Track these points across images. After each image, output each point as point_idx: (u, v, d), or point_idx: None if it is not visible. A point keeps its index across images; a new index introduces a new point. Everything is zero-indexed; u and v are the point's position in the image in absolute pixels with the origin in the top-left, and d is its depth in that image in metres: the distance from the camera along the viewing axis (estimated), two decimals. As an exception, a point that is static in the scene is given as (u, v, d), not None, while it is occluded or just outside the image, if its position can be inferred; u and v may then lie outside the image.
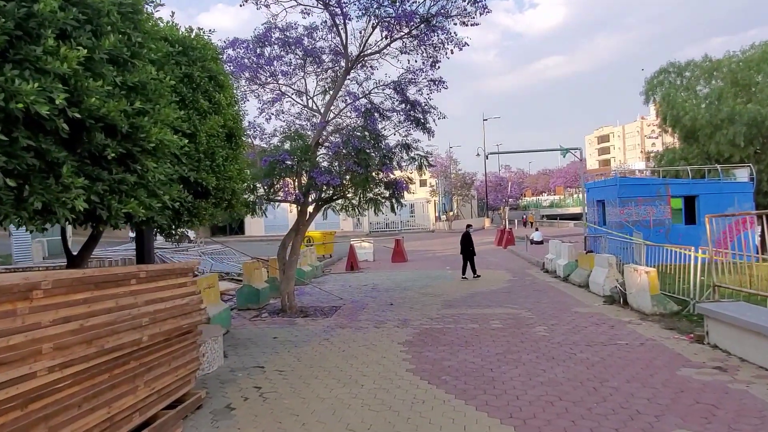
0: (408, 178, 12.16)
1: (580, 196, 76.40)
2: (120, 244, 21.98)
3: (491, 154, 20.37)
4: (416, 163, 11.73)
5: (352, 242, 23.03)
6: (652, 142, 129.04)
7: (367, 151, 10.64)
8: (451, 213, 57.77)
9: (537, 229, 32.13)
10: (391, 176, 11.49)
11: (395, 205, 12.35)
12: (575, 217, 61.71)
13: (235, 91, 11.84)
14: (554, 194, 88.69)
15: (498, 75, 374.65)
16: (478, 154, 57.72)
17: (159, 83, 5.83)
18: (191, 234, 42.53)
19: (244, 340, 8.98)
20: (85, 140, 4.81)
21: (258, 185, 11.38)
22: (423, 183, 61.36)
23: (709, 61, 22.71)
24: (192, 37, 7.65)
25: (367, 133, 11.06)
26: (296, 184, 11.30)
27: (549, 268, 18.17)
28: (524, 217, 57.62)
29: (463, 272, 17.17)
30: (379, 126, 12.14)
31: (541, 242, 29.08)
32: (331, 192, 11.90)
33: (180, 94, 7.12)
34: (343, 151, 10.77)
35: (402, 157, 11.65)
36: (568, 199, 74.97)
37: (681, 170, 21.01)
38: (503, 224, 47.34)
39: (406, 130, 12.47)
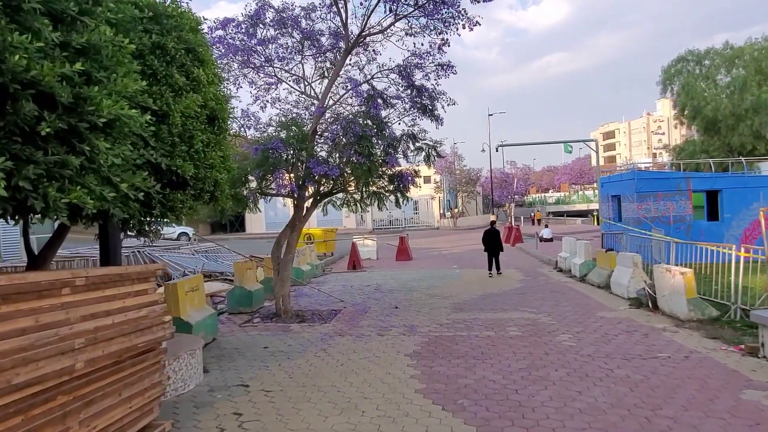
0: (414, 170, 11.11)
1: (586, 192, 75.29)
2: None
3: (501, 146, 19.27)
4: (423, 153, 10.67)
5: (354, 240, 22.00)
6: (659, 138, 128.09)
7: (370, 138, 9.58)
8: (456, 210, 56.63)
9: (547, 226, 31.05)
10: (396, 168, 10.43)
11: (400, 200, 11.32)
12: (582, 214, 60.56)
13: (221, 71, 10.85)
14: (559, 191, 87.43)
15: (501, 72, 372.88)
16: (483, 150, 56.60)
17: (117, 49, 4.81)
18: (189, 231, 41.71)
19: (230, 351, 7.95)
20: (8, 110, 3.80)
21: (251, 178, 10.37)
22: (427, 179, 60.28)
23: (731, 48, 21.51)
24: (166, 4, 6.61)
25: (369, 120, 10.01)
26: (291, 176, 10.27)
27: (563, 267, 17.11)
28: (532, 214, 55.59)
29: (489, 268, 16.53)
30: (383, 114, 11.10)
31: (551, 239, 28.00)
32: (330, 185, 10.88)
33: (151, 67, 6.09)
34: (343, 139, 9.73)
35: (408, 147, 10.59)
36: (573, 196, 73.77)
37: (702, 163, 19.88)
38: (509, 221, 46.21)
39: (413, 119, 11.42)
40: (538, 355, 7.13)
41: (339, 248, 25.26)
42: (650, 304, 10.13)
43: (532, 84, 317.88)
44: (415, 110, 11.42)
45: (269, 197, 11.63)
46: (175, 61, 6.43)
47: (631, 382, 5.86)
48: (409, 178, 10.71)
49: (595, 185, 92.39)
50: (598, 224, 54.56)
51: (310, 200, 11.35)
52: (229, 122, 8.01)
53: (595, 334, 8.28)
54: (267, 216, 51.14)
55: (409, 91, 11.41)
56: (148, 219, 6.51)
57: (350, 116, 10.45)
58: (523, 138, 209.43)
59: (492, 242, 16.40)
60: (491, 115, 55.19)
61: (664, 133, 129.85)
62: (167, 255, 14.98)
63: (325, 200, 12.16)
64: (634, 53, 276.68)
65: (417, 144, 10.69)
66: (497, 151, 19.01)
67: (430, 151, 10.68)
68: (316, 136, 10.63)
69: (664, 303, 9.68)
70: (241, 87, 11.98)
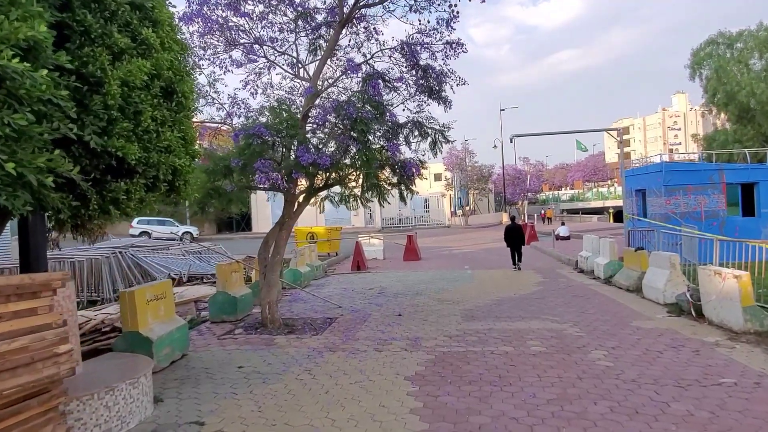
0: (419, 160, 9.76)
1: (600, 189, 73.29)
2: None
3: (516, 136, 17.86)
4: (429, 139, 9.35)
5: (359, 239, 20.70)
6: (675, 134, 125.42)
7: (367, 122, 8.26)
8: (467, 208, 55.10)
9: (563, 224, 29.54)
10: (399, 155, 9.11)
11: (405, 194, 10.02)
12: (597, 212, 58.77)
13: (196, 46, 9.60)
14: (572, 188, 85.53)
15: (511, 70, 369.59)
16: (495, 146, 55.07)
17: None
18: (194, 230, 40.66)
19: (198, 371, 6.69)
20: None
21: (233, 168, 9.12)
22: (438, 177, 58.86)
23: (766, 30, 19.84)
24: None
25: (367, 104, 8.70)
26: (279, 165, 9.00)
27: (584, 268, 15.68)
28: (542, 212, 53.22)
29: (514, 263, 16.98)
30: (385, 98, 9.79)
31: (567, 237, 26.53)
32: (324, 177, 9.60)
33: (82, 23, 4.84)
34: (332, 118, 8.44)
35: (412, 132, 9.26)
36: (587, 193, 71.95)
37: (736, 154, 18.31)
38: (523, 219, 44.69)
39: (418, 105, 10.10)
40: (569, 380, 5.78)
41: (344, 248, 23.99)
42: (693, 312, 8.72)
43: (543, 81, 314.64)
44: (421, 94, 10.12)
45: (271, 194, 10.43)
46: (117, 18, 5.17)
47: (699, 424, 4.49)
48: (414, 168, 9.38)
49: (609, 182, 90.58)
50: (613, 221, 52.93)
51: (303, 195, 10.12)
52: (194, 99, 6.76)
53: (635, 351, 6.90)
54: (274, 215, 49.89)
55: (413, 72, 10.10)
56: (84, 213, 5.24)
57: (346, 96, 9.15)
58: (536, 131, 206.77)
59: (514, 237, 16.98)
60: (503, 110, 53.68)
61: (680, 129, 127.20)
62: (153, 256, 13.79)
63: (321, 195, 10.93)
64: (647, 49, 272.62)
65: (423, 129, 9.37)
66: (511, 142, 17.63)
67: (436, 136, 9.34)
68: (308, 121, 9.35)
69: (711, 311, 8.27)
70: (229, 71, 10.73)
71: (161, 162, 5.65)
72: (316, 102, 9.38)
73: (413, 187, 9.95)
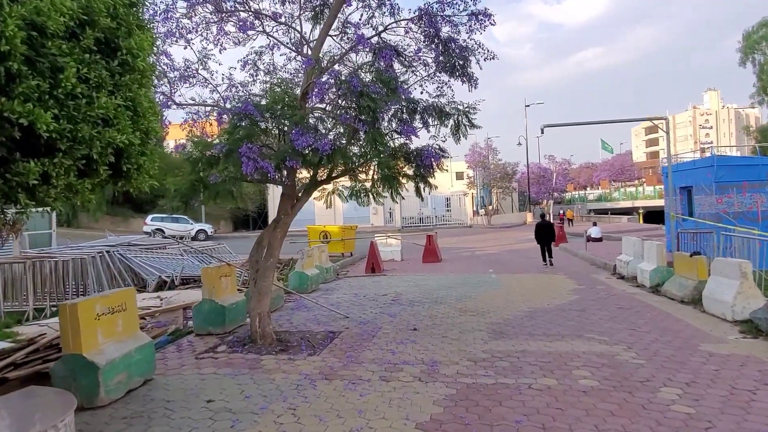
0: (439, 148, 8.24)
1: (628, 189, 70.40)
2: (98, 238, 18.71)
3: (549, 126, 16.25)
4: (451, 120, 7.83)
5: (374, 239, 19.25)
6: (706, 132, 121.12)
7: (374, 97, 6.78)
8: (490, 207, 53.25)
9: (595, 224, 27.66)
10: (414, 139, 7.63)
11: (422, 188, 8.56)
12: (626, 212, 56.37)
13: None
14: (598, 188, 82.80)
15: (533, 69, 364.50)
16: (519, 143, 53.06)
17: None
18: (208, 228, 39.65)
19: (156, 406, 5.31)
20: None
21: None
22: (460, 175, 57.08)
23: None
24: None
25: (376, 72, 7.25)
26: (272, 151, 7.60)
27: (624, 273, 13.98)
28: (561, 212, 49.00)
29: (544, 259, 17.30)
30: (400, 78, 8.32)
31: (600, 239, 24.70)
32: (329, 166, 8.16)
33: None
34: (333, 92, 7.00)
35: (430, 114, 7.75)
36: (614, 193, 69.41)
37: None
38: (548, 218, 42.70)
39: (438, 87, 8.57)
40: (640, 437, 4.24)
41: (360, 248, 22.53)
42: (776, 333, 7.07)
43: (567, 80, 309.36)
44: (441, 72, 8.59)
45: (262, 185, 9.06)
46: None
47: None
48: (432, 156, 7.89)
49: (637, 182, 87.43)
50: (643, 222, 50.52)
51: (304, 189, 8.73)
52: (151, 62, 5.37)
53: (718, 389, 5.31)
54: (291, 213, 48.89)
55: (432, 47, 8.58)
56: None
57: (351, 68, 7.70)
58: (559, 132, 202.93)
59: (545, 234, 17.31)
60: (528, 105, 51.69)
61: (711, 127, 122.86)
62: (144, 256, 12.52)
63: (326, 189, 9.55)
64: (675, 46, 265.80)
65: (443, 111, 7.86)
66: (542, 133, 15.96)
67: (459, 118, 7.82)
68: (307, 100, 7.91)
69: (804, 334, 6.61)
70: (224, 48, 9.35)
71: (95, 137, 4.26)
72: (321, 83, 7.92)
73: (432, 180, 8.47)
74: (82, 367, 5.21)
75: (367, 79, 7.27)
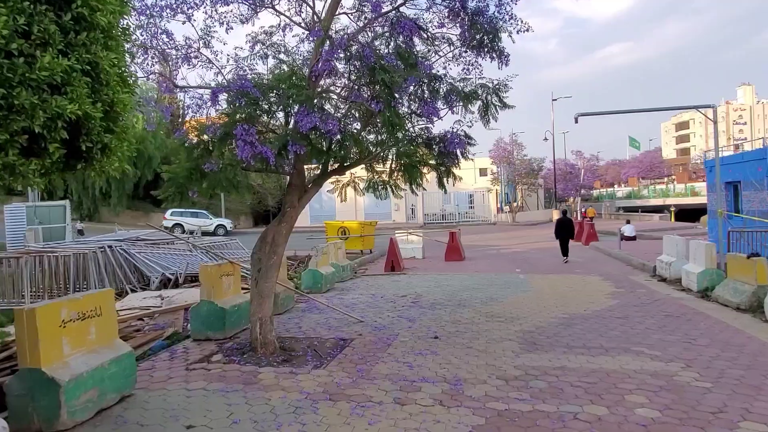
0: (465, 133, 7.25)
1: (659, 187, 68.01)
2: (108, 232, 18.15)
3: (583, 115, 15.09)
4: (480, 100, 6.85)
5: (395, 235, 18.31)
6: (740, 128, 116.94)
7: (391, 71, 5.84)
8: (515, 204, 51.79)
9: (628, 222, 26.25)
10: (437, 124, 6.67)
11: (445, 179, 7.62)
12: (657, 210, 54.33)
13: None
14: (626, 185, 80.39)
15: (559, 64, 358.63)
16: (545, 138, 51.36)
17: None
18: (227, 223, 39.15)
19: (128, 428, 4.48)
20: None
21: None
22: (483, 172, 55.68)
23: None
24: None
25: (394, 45, 6.32)
26: (274, 134, 6.74)
27: (666, 275, 12.78)
28: (583, 210, 45.78)
29: (564, 254, 17.55)
30: (419, 52, 7.37)
31: (634, 238, 23.35)
32: (338, 152, 7.24)
33: None
34: (343, 66, 6.10)
35: (457, 93, 6.76)
36: (644, 191, 67.16)
37: None
38: (575, 215, 41.13)
39: (464, 68, 7.56)
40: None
41: (380, 245, 21.61)
42: None
43: (594, 75, 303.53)
44: (469, 50, 7.57)
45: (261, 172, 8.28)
46: None
47: None
48: (457, 142, 6.92)
49: (666, 179, 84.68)
50: (674, 220, 48.51)
51: (315, 179, 7.86)
52: (126, 23, 4.53)
53: (814, 426, 4.26)
54: (312, 208, 48.28)
55: (459, 20, 7.56)
56: None
57: (365, 41, 6.74)
58: (586, 128, 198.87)
59: (566, 230, 17.81)
60: (555, 99, 49.93)
61: (745, 123, 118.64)
62: (148, 252, 11.80)
63: (339, 179, 8.72)
64: (706, 41, 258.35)
65: (471, 88, 6.88)
66: (576, 122, 14.81)
67: (489, 97, 6.83)
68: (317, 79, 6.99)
69: None
70: (231, 29, 8.48)
71: (37, 106, 3.42)
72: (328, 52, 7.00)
73: (456, 170, 7.51)
74: (40, 384, 4.41)
75: (384, 52, 6.35)
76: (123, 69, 4.52)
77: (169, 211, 37.76)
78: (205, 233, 32.72)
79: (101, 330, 5.17)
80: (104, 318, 5.23)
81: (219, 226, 37.91)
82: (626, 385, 5.35)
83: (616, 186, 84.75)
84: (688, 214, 51.50)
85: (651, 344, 6.93)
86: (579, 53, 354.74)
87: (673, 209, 54.63)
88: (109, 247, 11.15)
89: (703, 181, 65.68)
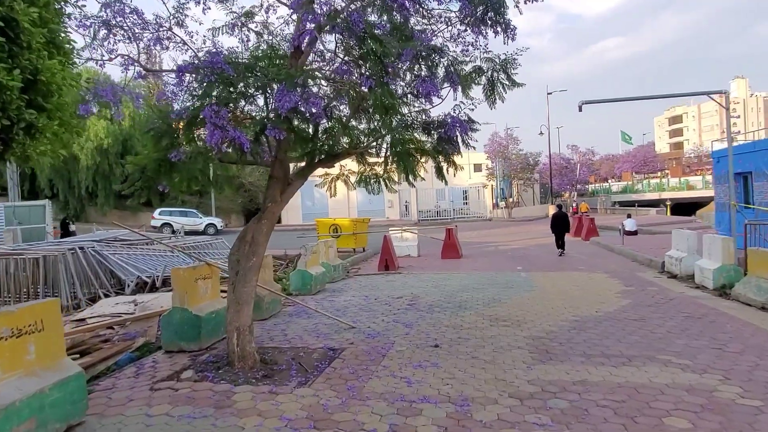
0: (467, 116, 6.46)
1: (653, 181, 67.47)
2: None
3: (587, 103, 14.33)
4: (485, 77, 6.07)
5: (389, 233, 17.52)
6: (733, 121, 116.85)
7: (382, 41, 5.05)
8: (510, 199, 51.13)
9: (629, 216, 25.59)
10: (436, 100, 5.86)
11: (445, 168, 6.84)
12: (653, 204, 53.77)
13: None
14: (619, 180, 79.91)
15: (553, 59, 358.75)
16: (541, 133, 50.82)
17: None
18: (218, 222, 38.22)
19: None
20: None
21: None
22: (478, 167, 55.00)
23: None
24: None
25: (386, 8, 5.52)
26: (249, 119, 5.93)
27: (677, 272, 12.07)
28: (574, 205, 44.56)
29: (560, 247, 17.82)
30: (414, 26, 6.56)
31: (635, 232, 22.70)
32: (325, 138, 6.44)
33: None
34: (327, 38, 5.31)
35: (461, 64, 5.98)
36: (639, 185, 66.66)
37: None
38: (570, 209, 40.31)
39: (463, 50, 6.74)
40: None
41: (373, 243, 20.82)
42: None
43: (589, 70, 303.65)
44: (470, 27, 6.75)
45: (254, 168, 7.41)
46: None
47: None
48: (459, 126, 6.14)
49: (660, 174, 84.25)
50: (671, 214, 48.02)
51: (295, 168, 7.06)
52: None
53: None
54: (304, 206, 47.45)
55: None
56: None
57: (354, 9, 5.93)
58: (580, 123, 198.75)
59: (562, 224, 17.97)
60: (550, 93, 49.32)
61: (739, 116, 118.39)
62: (124, 253, 10.95)
63: (328, 173, 7.96)
64: (701, 35, 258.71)
65: (476, 64, 6.11)
66: (580, 110, 14.00)
67: (494, 74, 6.05)
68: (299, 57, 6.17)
69: None
70: (208, 8, 7.64)
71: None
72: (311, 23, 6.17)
73: (459, 157, 6.72)
74: (-46, 419, 3.60)
75: (377, 17, 5.56)
76: (56, 33, 3.70)
77: (158, 211, 36.80)
78: (195, 232, 31.82)
79: (43, 348, 4.35)
80: (47, 333, 4.41)
81: (209, 225, 36.97)
82: (661, 404, 4.59)
83: (610, 181, 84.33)
84: (684, 208, 51.08)
85: (678, 351, 6.18)
86: (573, 48, 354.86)
87: (669, 203, 54.16)
88: (81, 248, 10.29)
89: (697, 174, 65.23)
